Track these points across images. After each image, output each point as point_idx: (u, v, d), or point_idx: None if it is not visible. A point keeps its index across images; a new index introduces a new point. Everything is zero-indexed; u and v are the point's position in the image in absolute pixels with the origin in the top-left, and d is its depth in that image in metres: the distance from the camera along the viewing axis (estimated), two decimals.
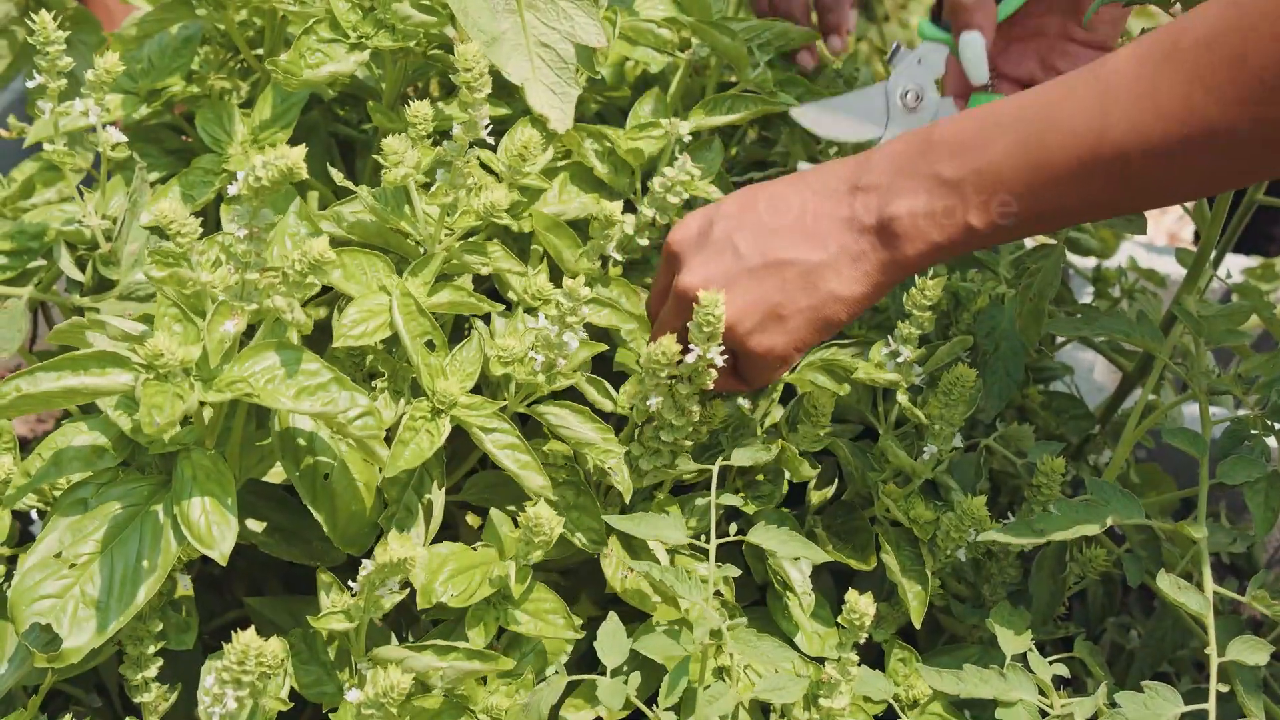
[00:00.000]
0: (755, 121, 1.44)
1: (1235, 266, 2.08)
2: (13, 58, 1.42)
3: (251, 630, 0.89)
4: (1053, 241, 1.30)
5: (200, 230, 0.91)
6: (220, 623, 1.31)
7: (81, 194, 1.22)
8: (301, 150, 0.85)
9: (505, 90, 1.21)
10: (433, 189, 1.09)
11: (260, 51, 1.32)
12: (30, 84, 1.19)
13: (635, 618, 1.09)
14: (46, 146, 1.21)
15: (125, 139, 1.21)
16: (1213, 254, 1.31)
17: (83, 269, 1.26)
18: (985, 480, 1.24)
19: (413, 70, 1.27)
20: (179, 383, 0.91)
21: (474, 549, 1.07)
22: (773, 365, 1.05)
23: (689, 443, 1.11)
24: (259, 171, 0.86)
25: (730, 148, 1.47)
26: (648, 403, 1.08)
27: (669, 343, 1.03)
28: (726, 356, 1.04)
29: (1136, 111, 0.87)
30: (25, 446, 1.08)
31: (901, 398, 1.15)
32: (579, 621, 1.07)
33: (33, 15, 1.15)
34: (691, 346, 1.03)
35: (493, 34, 1.09)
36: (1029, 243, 1.36)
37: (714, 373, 1.04)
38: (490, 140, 1.09)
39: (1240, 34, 0.83)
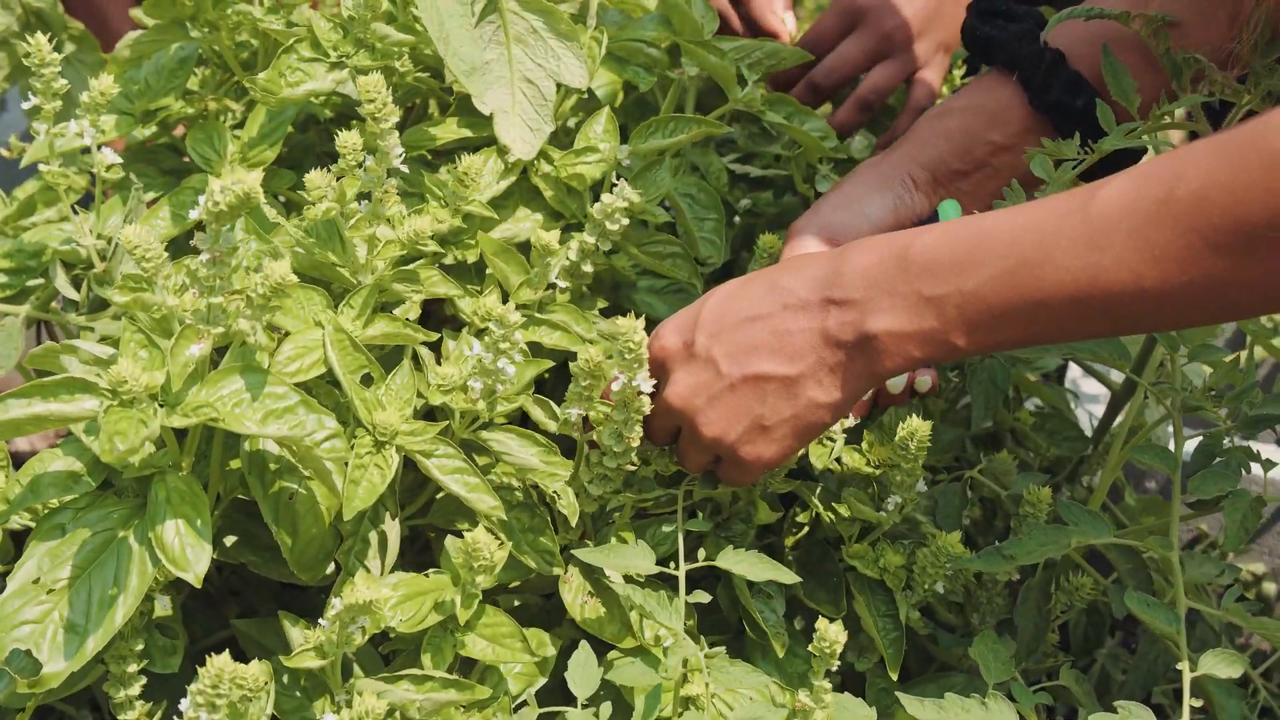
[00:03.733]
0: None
1: None
2: (10, 69, 1.44)
3: (226, 654, 0.89)
4: None
5: (165, 255, 0.91)
6: (214, 640, 1.31)
7: (77, 214, 1.23)
8: (258, 175, 0.85)
9: (472, 113, 1.20)
10: (353, 221, 1.08)
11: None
12: (25, 105, 1.20)
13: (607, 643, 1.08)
14: (42, 167, 1.22)
15: (120, 160, 1.22)
16: None
17: (79, 288, 1.26)
18: (975, 507, 1.23)
19: (404, 90, 1.27)
20: (144, 409, 0.91)
21: (426, 575, 1.06)
22: (762, 471, 1.06)
23: (632, 467, 1.11)
24: (217, 196, 0.86)
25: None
26: (569, 411, 1.08)
27: (594, 352, 1.04)
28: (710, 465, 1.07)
29: (1131, 255, 0.86)
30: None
31: (846, 456, 1.15)
32: (549, 648, 1.07)
33: (28, 38, 1.16)
34: (618, 375, 1.03)
35: (473, 63, 1.10)
36: None
37: (646, 399, 1.04)
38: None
39: (1233, 194, 0.82)
